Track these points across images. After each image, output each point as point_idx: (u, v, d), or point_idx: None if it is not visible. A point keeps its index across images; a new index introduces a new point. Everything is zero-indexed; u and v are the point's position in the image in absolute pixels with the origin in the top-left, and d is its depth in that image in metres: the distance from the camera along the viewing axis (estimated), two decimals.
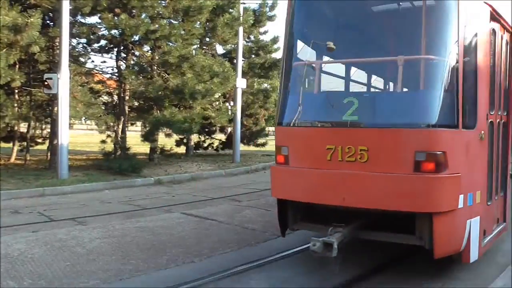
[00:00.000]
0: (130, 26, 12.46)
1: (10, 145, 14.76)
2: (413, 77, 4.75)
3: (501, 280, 4.73)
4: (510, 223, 6.03)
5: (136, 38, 13.99)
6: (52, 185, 10.72)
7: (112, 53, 15.06)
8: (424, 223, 4.44)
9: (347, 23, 5.59)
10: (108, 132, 14.62)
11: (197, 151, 20.90)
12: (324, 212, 4.99)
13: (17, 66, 12.17)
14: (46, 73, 11.92)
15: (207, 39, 17.98)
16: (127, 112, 14.78)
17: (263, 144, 21.83)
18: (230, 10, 16.67)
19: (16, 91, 13.07)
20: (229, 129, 20.57)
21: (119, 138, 14.21)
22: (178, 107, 15.28)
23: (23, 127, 15.16)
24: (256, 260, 5.59)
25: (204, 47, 18.33)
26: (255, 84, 21.24)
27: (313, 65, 5.31)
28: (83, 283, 4.83)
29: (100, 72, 15.46)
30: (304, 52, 5.45)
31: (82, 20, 13.91)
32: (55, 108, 11.87)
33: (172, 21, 14.68)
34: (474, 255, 4.81)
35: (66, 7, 11.25)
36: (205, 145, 21.32)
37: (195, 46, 16.76)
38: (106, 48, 14.93)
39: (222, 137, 21.87)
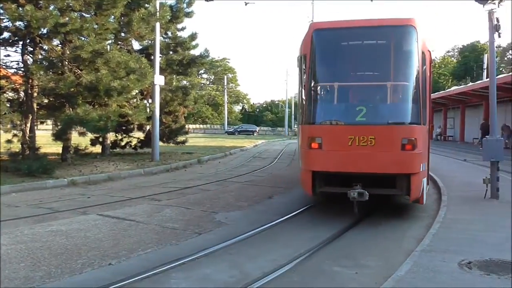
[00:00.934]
0: (37, 18, 11.67)
1: None
2: (398, 94, 8.04)
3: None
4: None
5: (44, 31, 13.13)
6: None
7: (17, 47, 14.00)
8: (404, 180, 7.45)
9: (354, 54, 8.54)
10: (15, 131, 13.60)
11: (114, 150, 20.21)
12: (335, 181, 7.88)
13: None
14: None
15: (122, 34, 17.39)
16: (35, 109, 13.85)
17: (183, 142, 21.63)
18: (146, 5, 16.28)
19: None
20: (148, 127, 20.09)
21: (27, 138, 13.30)
22: (93, 104, 14.64)
23: None
24: (177, 260, 5.52)
25: (120, 43, 17.72)
26: (173, 81, 20.98)
27: (333, 85, 7.97)
28: None
29: (4, 67, 14.31)
30: (325, 73, 8.38)
31: None
32: None
33: (84, 14, 13.99)
34: (424, 200, 7.97)
35: None
36: (123, 143, 20.69)
37: (109, 41, 16.15)
38: (10, 40, 13.86)
39: (141, 135, 21.33)
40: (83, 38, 13.77)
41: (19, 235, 6.51)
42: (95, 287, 4.64)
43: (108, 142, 19.27)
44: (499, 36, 9.02)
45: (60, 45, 14.53)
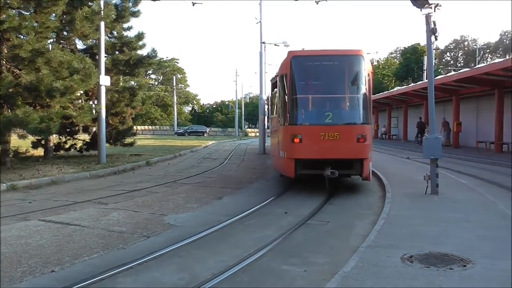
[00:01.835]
0: None
1: None
2: (353, 103, 11.09)
3: None
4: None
5: None
6: None
7: None
8: (358, 163, 10.40)
9: (321, 74, 11.40)
10: None
11: (58, 153, 19.48)
12: (310, 165, 10.51)
13: None
14: None
15: (65, 33, 16.77)
16: None
17: (131, 144, 21.18)
18: (90, 3, 15.80)
19: None
20: (94, 129, 19.50)
21: None
22: (34, 105, 14.03)
23: None
24: (124, 264, 5.40)
25: (62, 42, 17.07)
26: (120, 81, 20.49)
27: (308, 96, 11.19)
28: None
29: None
30: (301, 86, 11.07)
31: None
32: None
33: (23, 11, 13.39)
34: (370, 178, 11.05)
35: None
36: (67, 146, 19.99)
37: (51, 40, 15.55)
38: None
39: (86, 137, 20.67)
40: (22, 37, 13.17)
41: None
42: None
43: (51, 144, 18.50)
44: (436, 39, 9.45)
45: None
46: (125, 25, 19.84)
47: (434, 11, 9.13)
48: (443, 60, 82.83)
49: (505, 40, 74.36)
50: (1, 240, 6.31)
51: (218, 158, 22.59)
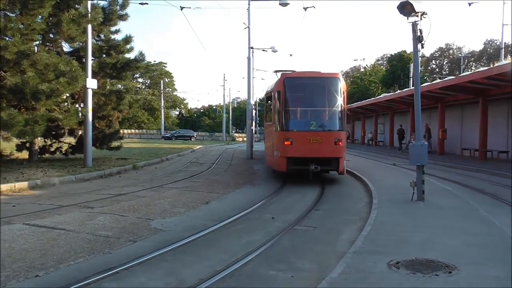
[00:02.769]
0: None
1: None
2: (333, 113, 13.67)
3: None
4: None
5: None
6: None
7: None
8: (335, 161, 13.22)
9: (307, 91, 14.04)
10: None
11: (43, 156, 19.24)
12: (299, 162, 13.13)
13: None
14: None
15: (51, 36, 16.61)
16: None
17: (118, 147, 20.98)
18: (77, 6, 15.67)
19: None
20: (80, 132, 19.29)
21: None
22: (18, 108, 13.85)
23: None
24: (109, 269, 5.34)
25: (48, 44, 16.89)
26: (107, 85, 20.31)
27: (297, 109, 14.00)
28: None
29: None
30: (292, 101, 13.87)
31: None
32: None
33: (8, 13, 13.24)
34: (344, 172, 13.98)
35: None
36: (52, 149, 19.73)
37: (36, 42, 15.38)
38: None
39: (72, 140, 20.44)
40: (7, 38, 13.02)
41: None
42: None
43: (36, 147, 18.28)
44: (422, 47, 9.56)
45: None
46: (113, 28, 19.66)
47: (421, 19, 9.25)
48: (429, 67, 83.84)
49: (489, 49, 75.61)
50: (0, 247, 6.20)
51: (205, 162, 22.53)
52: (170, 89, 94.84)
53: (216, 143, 51.73)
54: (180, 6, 22.09)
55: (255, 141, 31.01)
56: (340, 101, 13.59)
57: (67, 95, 16.68)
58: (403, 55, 63.77)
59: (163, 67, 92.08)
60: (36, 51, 13.76)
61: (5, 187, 11.62)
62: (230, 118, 79.36)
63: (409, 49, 59.38)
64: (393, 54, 70.53)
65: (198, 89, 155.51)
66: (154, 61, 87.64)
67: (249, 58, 26.24)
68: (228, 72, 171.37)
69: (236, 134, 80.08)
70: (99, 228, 7.47)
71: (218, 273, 5.30)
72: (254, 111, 31.52)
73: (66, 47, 18.69)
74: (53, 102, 14.20)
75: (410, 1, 8.97)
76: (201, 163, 22.01)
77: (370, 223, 7.46)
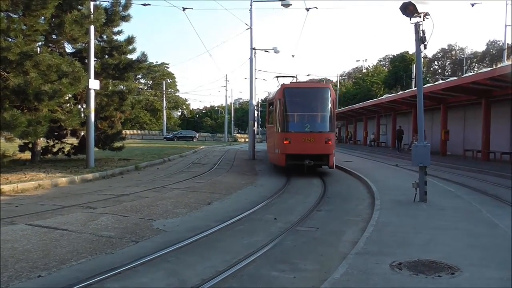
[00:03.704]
0: None
1: None
2: (324, 117, 16.29)
3: None
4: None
5: None
6: None
7: None
8: (326, 157, 15.84)
9: (303, 99, 16.45)
10: None
11: (46, 157, 19.30)
12: (296, 158, 15.59)
13: None
14: None
15: (54, 36, 16.64)
16: None
17: (120, 148, 21.00)
18: (80, 7, 15.70)
19: None
20: (82, 133, 19.33)
21: None
22: (21, 108, 13.87)
23: None
24: (112, 269, 5.35)
25: (51, 45, 16.92)
26: (109, 85, 20.33)
27: (294, 114, 16.34)
28: None
29: None
30: (290, 107, 16.18)
31: None
32: None
33: (11, 14, 13.26)
34: (334, 166, 16.50)
35: None
36: (55, 150, 19.80)
37: (39, 43, 15.42)
38: None
39: (74, 141, 20.51)
40: (10, 39, 13.04)
41: None
42: None
43: (39, 148, 18.34)
44: (425, 48, 9.54)
45: None
46: (115, 29, 19.70)
47: (423, 20, 9.24)
48: (431, 68, 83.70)
49: (491, 50, 75.45)
50: (0, 248, 6.21)
51: (208, 163, 22.54)
52: (172, 90, 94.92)
53: (218, 144, 51.76)
54: (183, 7, 22.06)
55: (257, 142, 30.97)
56: (329, 107, 16.13)
57: (70, 96, 16.67)
58: (406, 56, 63.65)
59: (165, 68, 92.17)
60: (38, 52, 13.77)
61: (7, 187, 11.66)
62: (232, 119, 79.46)
63: (412, 50, 59.35)
64: (395, 55, 70.45)
65: (200, 90, 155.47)
66: (156, 62, 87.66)
67: (251, 59, 26.24)
68: (230, 73, 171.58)
69: (238, 135, 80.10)
70: (102, 229, 7.47)
71: (220, 274, 5.29)
72: (256, 112, 31.47)
73: (68, 48, 18.76)
74: (55, 103, 14.20)
75: (413, 2, 8.96)
76: (203, 164, 22.02)
77: (373, 224, 7.45)
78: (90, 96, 16.66)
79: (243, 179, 15.28)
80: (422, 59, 10.58)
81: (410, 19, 9.34)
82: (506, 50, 36.06)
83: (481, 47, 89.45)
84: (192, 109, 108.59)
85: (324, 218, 8.82)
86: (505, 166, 17.96)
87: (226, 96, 73.15)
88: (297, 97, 16.44)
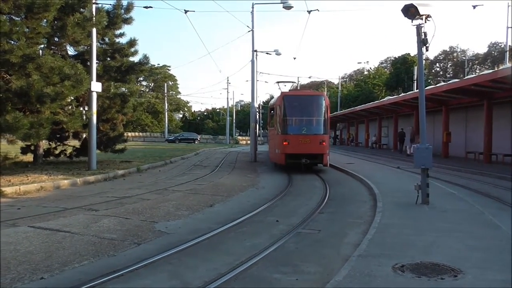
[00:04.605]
0: None
1: None
2: (319, 121, 18.32)
3: None
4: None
5: None
6: None
7: None
8: (321, 156, 17.87)
9: (300, 105, 18.68)
10: None
11: (48, 159, 19.32)
12: (294, 157, 17.69)
13: None
14: None
15: (56, 39, 16.68)
16: None
17: (122, 150, 21.05)
18: (82, 9, 15.75)
19: None
20: (84, 135, 19.38)
21: None
22: (23, 111, 13.90)
23: None
24: (114, 271, 5.35)
25: (53, 47, 16.99)
26: (111, 88, 20.35)
27: (293, 118, 18.45)
28: None
29: None
30: (289, 112, 18.41)
31: None
32: None
33: (14, 17, 13.31)
34: (328, 164, 18.44)
35: None
36: (57, 152, 19.85)
37: (42, 46, 15.46)
38: None
39: (76, 143, 20.54)
40: (12, 42, 13.08)
41: None
42: None
43: (41, 150, 18.37)
44: (427, 50, 9.54)
45: None
46: (117, 32, 19.76)
47: (425, 22, 9.24)
48: (433, 70, 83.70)
49: (493, 52, 75.41)
50: (0, 248, 6.22)
51: (209, 165, 22.55)
52: (174, 92, 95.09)
53: (219, 146, 51.77)
54: (184, 10, 22.06)
55: (259, 144, 30.97)
56: (323, 112, 18.22)
57: (72, 98, 16.71)
58: (407, 58, 63.65)
59: (167, 70, 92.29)
60: (41, 54, 13.81)
61: (10, 189, 11.67)
62: (234, 121, 79.50)
63: (413, 52, 59.36)
64: (397, 57, 70.44)
65: (201, 92, 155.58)
66: (158, 64, 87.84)
67: (253, 61, 26.25)
68: (232, 75, 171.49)
69: (240, 137, 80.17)
70: (104, 231, 7.48)
71: (223, 276, 5.29)
72: (257, 114, 31.50)
73: (71, 51, 18.83)
74: (58, 105, 14.22)
75: (415, 4, 8.97)
76: (205, 166, 22.03)
77: (375, 226, 7.44)
78: (92, 98, 16.70)
79: (245, 181, 15.28)
80: (424, 61, 10.57)
81: (412, 21, 9.34)
82: (508, 52, 35.96)
83: (482, 49, 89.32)
84: (194, 111, 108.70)
85: (326, 220, 8.81)
86: (507, 168, 17.92)
87: (227, 98, 73.19)
88: (295, 103, 18.55)
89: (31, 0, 12.60)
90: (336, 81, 72.45)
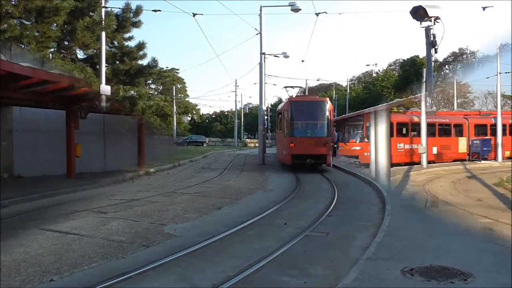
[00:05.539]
0: None
1: None
2: (322, 125, 20.03)
3: None
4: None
5: None
6: None
7: None
8: (324, 157, 19.56)
9: (306, 110, 20.41)
10: None
11: None
12: (300, 158, 19.31)
13: None
14: None
15: (66, 43, 16.81)
16: None
17: None
18: (91, 13, 15.86)
19: None
20: None
21: None
22: None
23: None
24: (123, 274, 5.38)
25: (63, 51, 17.11)
26: (120, 91, 20.44)
27: (299, 122, 20.16)
28: None
29: None
30: (296, 116, 20.15)
31: None
32: None
33: (24, 21, 13.44)
34: (331, 164, 20.38)
35: None
36: None
37: (52, 50, 15.59)
38: None
39: None
40: (23, 46, 13.21)
41: None
42: None
43: None
44: (436, 52, 9.51)
45: None
46: (126, 35, 19.85)
47: (434, 24, 9.21)
48: (442, 72, 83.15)
49: (503, 53, 74.75)
50: (0, 248, 6.28)
51: (218, 168, 22.57)
52: (182, 95, 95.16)
53: (228, 149, 51.79)
54: (193, 13, 22.08)
55: (267, 147, 30.94)
56: (327, 117, 19.83)
57: None
58: (416, 60, 63.32)
59: (175, 73, 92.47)
60: (51, 58, 13.93)
61: None
62: (242, 123, 79.50)
63: (422, 53, 59.00)
64: (405, 59, 70.09)
65: (210, 95, 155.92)
66: (167, 67, 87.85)
67: (261, 64, 26.24)
68: (240, 78, 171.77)
69: (248, 140, 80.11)
70: (113, 233, 7.52)
71: (231, 279, 5.29)
72: (266, 117, 31.49)
73: (80, 54, 18.95)
74: None
75: (423, 6, 8.95)
76: (213, 169, 22.06)
77: (384, 229, 7.41)
78: (102, 101, 16.76)
79: (253, 184, 15.28)
80: (433, 63, 10.53)
81: (421, 23, 9.32)
82: None
83: (493, 51, 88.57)
84: (202, 114, 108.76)
85: (334, 223, 8.78)
86: None
87: (235, 101, 73.25)
88: (301, 108, 20.27)
89: (41, 4, 12.72)
90: (344, 84, 72.30)
